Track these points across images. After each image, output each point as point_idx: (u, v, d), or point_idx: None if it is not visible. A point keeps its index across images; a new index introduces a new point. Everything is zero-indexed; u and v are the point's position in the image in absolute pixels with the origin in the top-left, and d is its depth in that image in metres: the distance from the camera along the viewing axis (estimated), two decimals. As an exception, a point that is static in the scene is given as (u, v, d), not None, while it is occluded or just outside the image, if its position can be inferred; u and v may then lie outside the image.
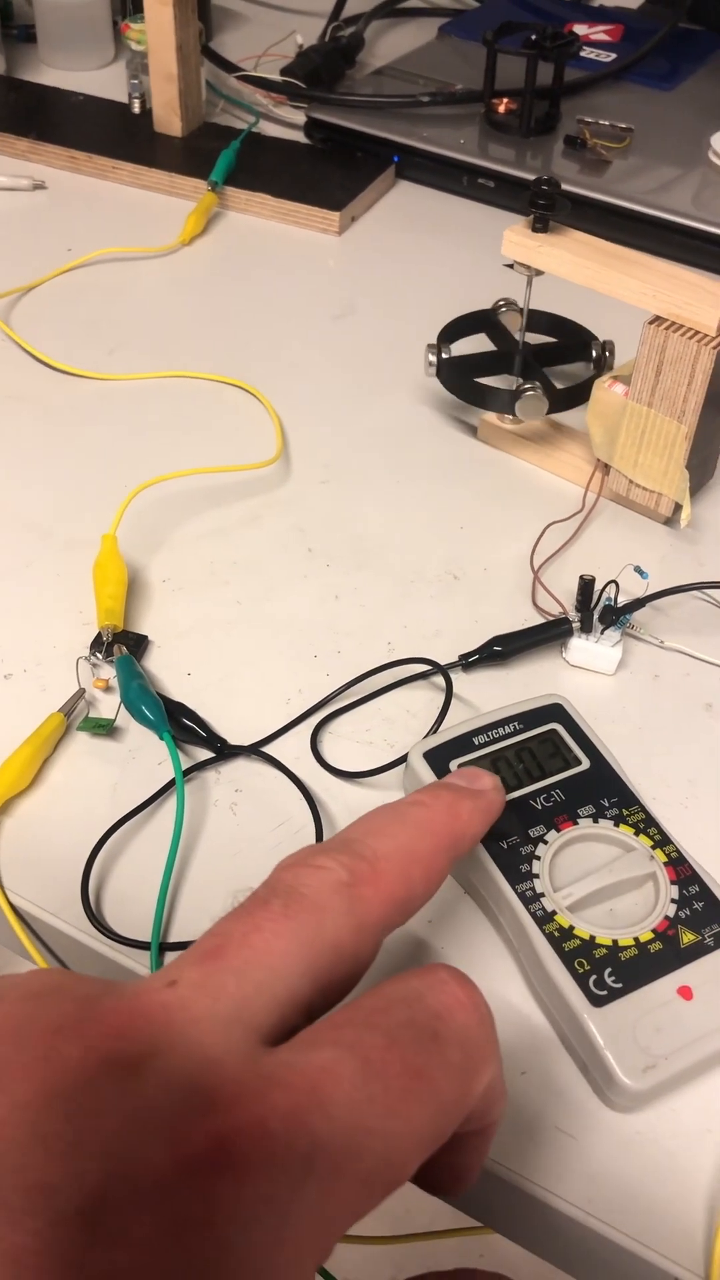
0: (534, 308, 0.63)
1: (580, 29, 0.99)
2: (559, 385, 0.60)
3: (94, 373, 0.67)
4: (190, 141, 0.87)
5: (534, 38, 0.81)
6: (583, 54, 0.95)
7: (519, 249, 0.56)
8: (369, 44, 1.01)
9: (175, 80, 0.84)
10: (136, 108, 0.89)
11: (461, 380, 0.62)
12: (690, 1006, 0.38)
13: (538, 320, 0.65)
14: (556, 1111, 0.37)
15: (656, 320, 0.53)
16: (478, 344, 0.65)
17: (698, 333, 0.52)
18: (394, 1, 1.07)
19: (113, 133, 0.88)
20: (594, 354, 0.64)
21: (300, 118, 0.90)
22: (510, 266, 0.58)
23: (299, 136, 0.90)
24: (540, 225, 0.56)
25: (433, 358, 0.62)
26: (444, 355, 0.62)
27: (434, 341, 0.62)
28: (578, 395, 0.60)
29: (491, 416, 0.63)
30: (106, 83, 0.96)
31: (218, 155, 0.82)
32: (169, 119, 0.87)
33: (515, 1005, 0.40)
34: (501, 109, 0.86)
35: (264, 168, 0.84)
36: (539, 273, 0.57)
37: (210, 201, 0.80)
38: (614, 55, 0.95)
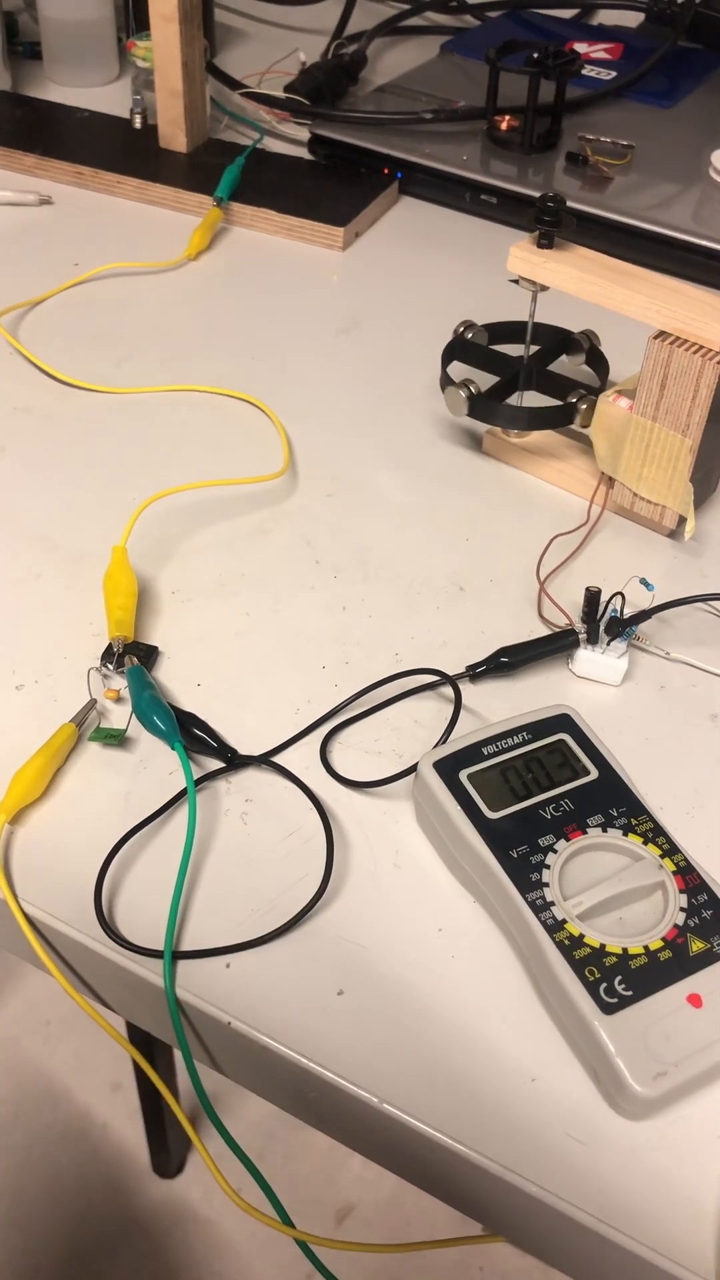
0: (500, 321, 0.63)
1: (581, 47, 1.00)
2: (584, 387, 0.61)
3: (101, 386, 0.67)
4: (195, 157, 0.88)
5: (536, 56, 0.82)
6: (584, 72, 0.96)
7: (524, 265, 0.57)
8: (371, 61, 1.02)
9: (180, 96, 0.85)
10: (138, 123, 0.90)
11: (495, 409, 0.61)
12: (700, 1014, 0.38)
13: (507, 331, 0.65)
14: (567, 1119, 0.38)
15: (661, 335, 0.54)
16: (461, 368, 0.65)
17: (702, 348, 0.53)
18: (396, 19, 1.08)
19: (118, 148, 0.88)
20: (584, 346, 0.64)
21: (304, 134, 0.90)
22: (515, 282, 0.58)
23: (303, 153, 0.91)
24: (545, 241, 0.57)
25: (464, 395, 0.61)
26: (475, 392, 0.61)
27: (446, 380, 0.62)
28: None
29: (497, 430, 0.64)
30: (111, 99, 0.97)
31: (222, 171, 0.83)
32: (174, 135, 0.87)
33: (524, 1012, 0.40)
34: (504, 126, 0.86)
35: (268, 184, 0.85)
36: (544, 288, 0.58)
37: (215, 217, 0.81)
38: (614, 73, 0.96)
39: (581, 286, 0.56)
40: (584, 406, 0.59)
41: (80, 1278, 1.19)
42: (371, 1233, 1.22)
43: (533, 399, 0.63)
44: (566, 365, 0.66)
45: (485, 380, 0.63)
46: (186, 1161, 1.25)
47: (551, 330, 0.65)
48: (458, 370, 0.65)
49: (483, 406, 0.61)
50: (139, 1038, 0.87)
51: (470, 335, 0.65)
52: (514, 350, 0.64)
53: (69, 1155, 1.27)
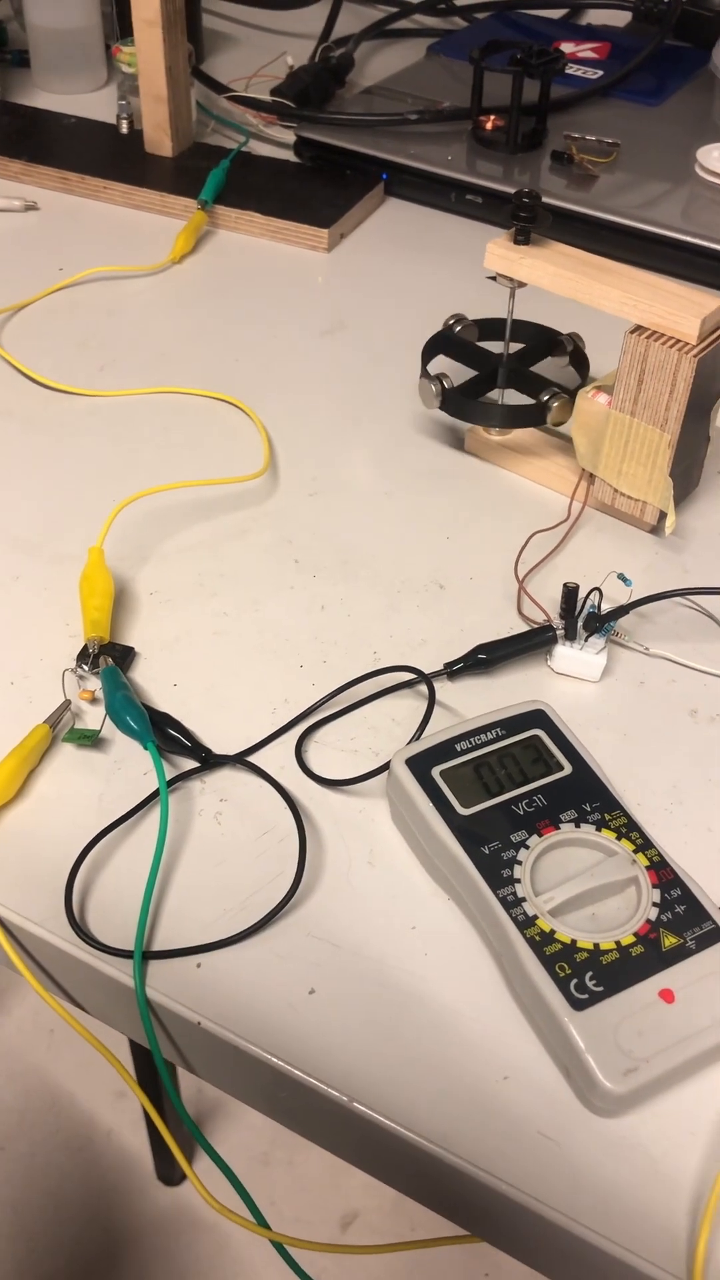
0: (491, 317, 0.63)
1: (568, 47, 1.00)
2: (558, 386, 0.60)
3: (84, 389, 0.67)
4: (181, 161, 0.88)
5: (519, 55, 0.82)
6: (571, 71, 0.96)
7: (501, 261, 0.57)
8: (359, 64, 1.02)
9: (165, 101, 0.85)
10: (124, 128, 0.90)
11: (469, 406, 0.61)
12: (672, 1009, 0.38)
13: (497, 328, 0.65)
14: (539, 1116, 0.37)
15: (638, 330, 0.54)
16: (443, 361, 0.65)
17: (679, 341, 0.53)
18: (383, 22, 1.08)
19: (104, 154, 0.89)
20: (568, 348, 0.64)
21: (290, 138, 0.90)
22: (493, 279, 0.58)
23: (289, 156, 0.91)
24: (522, 238, 0.57)
25: (435, 389, 0.61)
26: (447, 386, 0.61)
27: (423, 372, 0.62)
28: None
29: (478, 428, 0.64)
30: (99, 105, 0.97)
31: (208, 175, 0.83)
32: (159, 139, 0.87)
33: (497, 1010, 0.40)
34: (489, 126, 0.86)
35: (254, 186, 0.85)
36: (522, 285, 0.58)
37: (200, 220, 0.81)
38: (601, 72, 0.96)
39: (557, 282, 0.55)
40: (555, 405, 0.59)
41: (85, 1285, 1.19)
42: (376, 1239, 1.21)
43: (515, 398, 0.63)
44: (551, 366, 0.66)
45: (468, 376, 0.63)
46: (193, 1159, 1.24)
47: (538, 330, 0.65)
48: (441, 365, 0.64)
49: (455, 401, 0.61)
50: (142, 1049, 0.86)
51: (459, 329, 0.65)
52: (501, 348, 0.64)
53: (73, 1163, 1.27)
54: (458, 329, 0.65)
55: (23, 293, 0.75)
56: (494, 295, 0.61)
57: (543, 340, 0.65)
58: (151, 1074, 1.13)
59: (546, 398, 0.59)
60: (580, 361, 0.64)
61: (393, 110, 0.89)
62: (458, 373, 0.63)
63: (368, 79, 0.99)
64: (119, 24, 1.04)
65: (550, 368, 0.65)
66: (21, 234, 0.83)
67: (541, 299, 0.59)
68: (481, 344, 0.65)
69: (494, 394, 0.63)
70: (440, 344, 0.65)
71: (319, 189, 0.85)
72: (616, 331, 0.55)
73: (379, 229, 0.85)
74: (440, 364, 0.65)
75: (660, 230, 0.78)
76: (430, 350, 0.64)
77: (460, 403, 0.61)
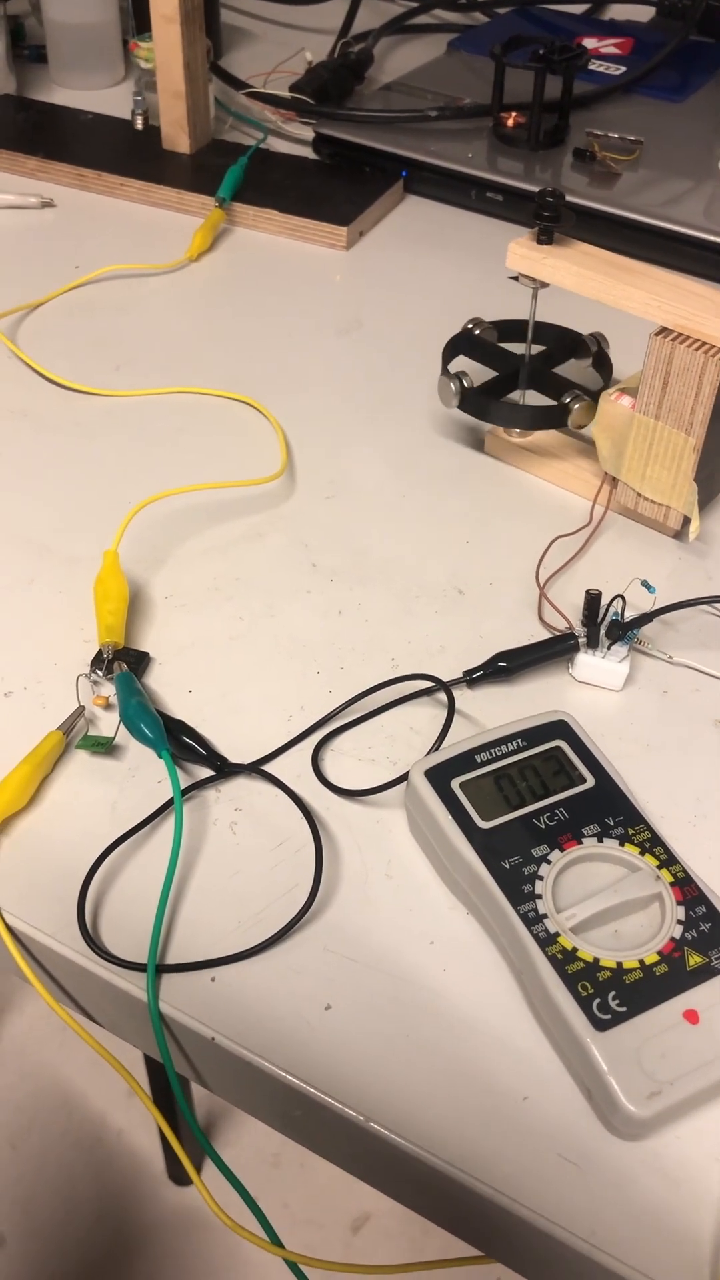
0: (510, 319, 0.62)
1: (590, 42, 0.99)
2: (579, 388, 0.59)
3: (99, 389, 0.67)
4: (198, 158, 0.87)
5: (541, 51, 0.81)
6: (593, 67, 0.95)
7: (523, 261, 0.56)
8: (378, 60, 1.02)
9: (183, 97, 0.84)
10: (139, 124, 0.90)
11: (490, 405, 0.60)
12: (697, 1031, 0.37)
13: (518, 329, 0.64)
14: (559, 1139, 0.37)
15: (663, 332, 0.53)
16: (464, 362, 0.64)
17: (705, 344, 0.52)
18: (403, 18, 1.07)
19: (121, 150, 0.88)
20: (591, 349, 0.63)
21: (309, 134, 0.90)
22: (515, 279, 0.57)
23: (307, 152, 0.90)
24: (545, 237, 0.56)
25: (454, 388, 0.60)
26: (466, 385, 0.60)
27: (443, 372, 0.61)
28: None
29: (499, 430, 0.63)
30: (117, 101, 0.97)
31: (225, 172, 0.82)
32: (177, 136, 0.87)
33: (517, 1028, 0.39)
34: (510, 123, 0.85)
35: (272, 184, 0.84)
36: (544, 285, 0.57)
37: (218, 218, 0.80)
38: (624, 68, 0.95)
39: (581, 283, 0.54)
40: (577, 406, 0.58)
41: (96, 1284, 1.19)
42: (388, 1242, 1.21)
43: (536, 400, 0.62)
44: (574, 368, 0.65)
45: (488, 377, 0.62)
46: (202, 1168, 1.24)
47: (561, 331, 0.64)
48: (462, 366, 0.63)
49: (474, 401, 0.60)
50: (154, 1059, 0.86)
51: (479, 331, 0.64)
52: (522, 349, 0.63)
53: (84, 1162, 1.27)
54: (477, 332, 0.64)
55: (38, 291, 0.75)
56: (515, 294, 0.60)
57: (566, 342, 0.64)
58: (163, 1082, 1.13)
59: (568, 399, 0.58)
60: (603, 363, 0.63)
61: (412, 107, 0.88)
62: (478, 373, 0.62)
63: (387, 75, 0.98)
64: (136, 19, 1.04)
65: (573, 370, 0.64)
66: (37, 231, 0.82)
67: (564, 299, 0.58)
68: (503, 345, 0.64)
69: (515, 395, 0.63)
70: (461, 345, 0.64)
71: (338, 186, 0.84)
72: (639, 332, 0.54)
73: (398, 227, 0.84)
74: (461, 365, 0.64)
75: (684, 229, 0.77)
76: (451, 350, 0.63)
77: (480, 402, 0.60)
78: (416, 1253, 1.19)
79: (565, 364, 0.64)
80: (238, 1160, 1.24)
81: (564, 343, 0.64)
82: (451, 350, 0.64)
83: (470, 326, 0.64)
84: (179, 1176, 1.24)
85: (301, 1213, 1.22)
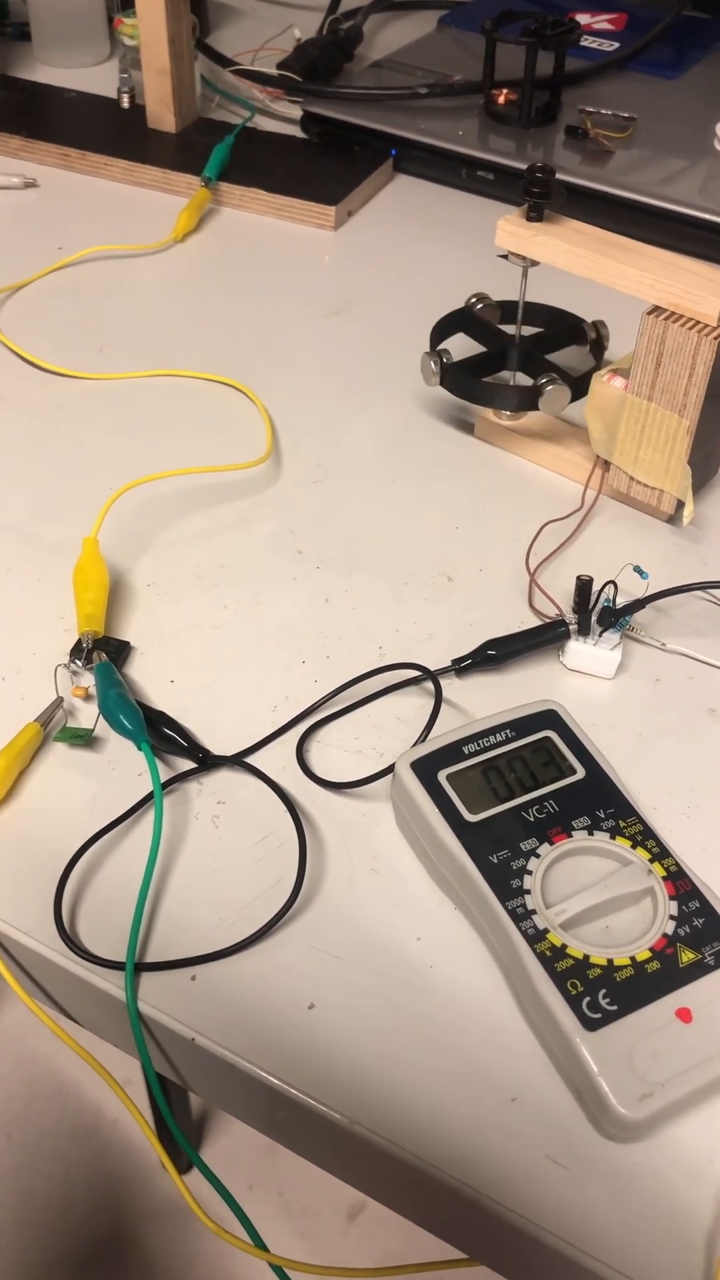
0: (513, 299, 0.61)
1: (584, 18, 0.97)
2: (558, 373, 0.58)
3: (82, 372, 0.65)
4: (184, 137, 0.85)
5: (533, 26, 0.79)
6: (586, 43, 0.93)
7: (513, 239, 0.55)
8: (368, 37, 1.00)
9: (168, 75, 0.83)
10: (125, 102, 0.88)
11: (469, 383, 0.59)
12: (690, 1030, 0.36)
13: (522, 310, 0.63)
14: (548, 1141, 0.36)
15: (655, 311, 0.51)
16: (464, 342, 0.63)
17: (698, 323, 0.50)
18: (394, -7, 1.06)
19: (106, 129, 0.86)
20: (590, 336, 0.62)
21: (297, 113, 0.88)
22: (505, 257, 0.56)
23: (295, 131, 0.88)
24: (535, 214, 0.54)
25: (435, 366, 0.59)
26: (446, 361, 0.59)
27: (430, 349, 0.60)
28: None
29: (489, 413, 0.61)
30: (102, 80, 0.95)
31: (212, 151, 0.81)
32: (162, 114, 0.85)
33: (506, 1027, 0.38)
34: (501, 100, 0.84)
35: (259, 163, 0.82)
36: (534, 263, 0.56)
37: (203, 197, 0.79)
38: (617, 44, 0.93)
39: (571, 261, 0.53)
40: (550, 389, 0.56)
41: (91, 1274, 1.18)
42: (385, 1230, 1.20)
43: (525, 383, 0.61)
44: (577, 355, 0.63)
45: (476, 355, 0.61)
46: (192, 1164, 1.24)
47: (561, 315, 0.63)
48: (460, 345, 0.62)
49: (454, 378, 0.59)
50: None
51: (480, 307, 0.62)
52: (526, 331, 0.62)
53: (79, 1151, 1.26)
54: (479, 307, 0.62)
55: (21, 272, 0.73)
56: (507, 275, 0.58)
57: (564, 326, 0.63)
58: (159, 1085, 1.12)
59: (544, 381, 0.57)
60: (599, 349, 0.62)
61: (402, 84, 0.86)
62: (472, 352, 0.60)
63: (377, 52, 0.97)
64: (122, -4, 1.02)
65: (573, 356, 0.63)
66: (20, 212, 0.81)
67: (572, 283, 0.56)
68: (504, 326, 0.62)
69: (506, 377, 0.61)
70: (459, 322, 0.63)
71: (326, 165, 0.83)
72: (629, 312, 0.52)
73: (388, 206, 0.82)
74: (459, 344, 0.62)
75: (678, 207, 0.76)
76: (447, 328, 0.62)
77: (460, 380, 0.59)
78: (413, 1241, 1.19)
79: (566, 350, 0.63)
80: (233, 1149, 1.24)
81: (563, 327, 0.63)
82: (449, 326, 0.62)
83: (474, 301, 0.63)
84: (175, 1165, 1.23)
85: (297, 1201, 1.22)
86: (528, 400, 0.58)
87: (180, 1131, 1.21)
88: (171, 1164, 0.42)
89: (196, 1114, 1.26)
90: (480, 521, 0.57)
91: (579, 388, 0.58)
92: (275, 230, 0.79)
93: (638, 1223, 0.34)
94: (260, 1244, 0.38)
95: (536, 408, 0.57)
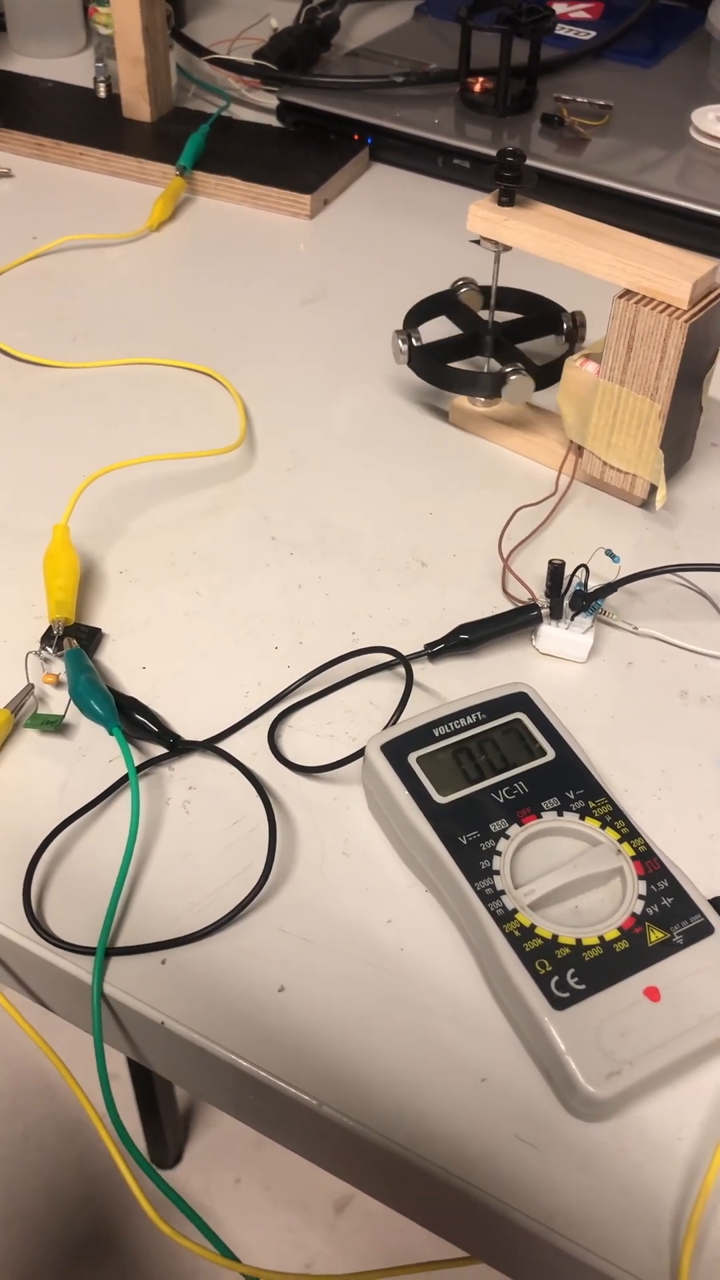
0: (503, 286, 0.61)
1: (560, 6, 0.97)
2: (537, 363, 0.58)
3: (55, 361, 0.65)
4: (160, 126, 0.85)
5: (509, 13, 0.79)
6: (562, 32, 0.93)
7: (484, 224, 0.55)
8: (344, 26, 0.99)
9: (143, 64, 0.82)
10: (102, 92, 0.88)
11: (435, 367, 0.60)
12: (658, 1008, 0.36)
13: (503, 297, 0.63)
14: (517, 1120, 0.36)
15: (626, 294, 0.51)
16: (445, 327, 0.63)
17: (669, 306, 0.50)
18: (371, -17, 1.05)
19: (81, 119, 0.86)
20: (565, 326, 0.62)
21: (273, 102, 0.88)
22: (477, 242, 0.56)
23: (271, 120, 0.88)
24: (506, 199, 0.54)
25: (403, 345, 0.59)
26: (415, 342, 0.60)
27: (401, 329, 0.60)
28: (559, 371, 0.58)
29: (463, 400, 0.61)
30: (77, 69, 0.95)
31: (187, 140, 0.81)
32: (137, 104, 0.85)
33: (476, 1009, 0.38)
34: (477, 88, 0.84)
35: (235, 152, 0.82)
36: (506, 248, 0.55)
37: (178, 186, 0.79)
38: (593, 33, 0.93)
39: (543, 245, 0.53)
40: (513, 379, 0.56)
41: (79, 1269, 1.18)
42: (370, 1223, 1.20)
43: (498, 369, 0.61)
44: (552, 343, 0.63)
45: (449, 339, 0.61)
46: (184, 1152, 1.23)
47: (541, 303, 0.63)
48: (440, 330, 0.62)
49: (421, 360, 0.59)
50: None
51: (464, 289, 0.62)
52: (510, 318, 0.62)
53: (66, 1146, 1.26)
54: (463, 290, 0.62)
55: (-6, 262, 0.73)
56: (484, 263, 0.58)
57: (542, 314, 0.63)
58: (143, 1075, 1.12)
59: (509, 370, 0.57)
60: (574, 339, 0.62)
61: (378, 73, 0.86)
62: (450, 336, 0.61)
63: (353, 41, 0.96)
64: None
65: (552, 344, 0.63)
66: (-5, 202, 0.80)
67: (550, 270, 0.56)
68: (483, 312, 0.62)
69: (480, 362, 0.61)
70: (440, 305, 0.63)
71: (302, 154, 0.82)
72: (602, 296, 0.52)
73: (363, 195, 0.82)
74: (441, 328, 0.62)
75: (654, 195, 0.76)
76: (429, 310, 0.62)
77: (426, 363, 0.59)
78: (399, 1233, 1.19)
79: (545, 338, 0.63)
80: (219, 1142, 1.24)
81: (540, 315, 0.63)
82: (431, 309, 0.62)
83: (459, 284, 0.63)
84: (161, 1160, 1.23)
85: (283, 1194, 1.22)
86: (491, 387, 0.58)
87: (167, 1126, 1.20)
88: (135, 1184, 0.42)
89: (183, 1108, 1.25)
90: (454, 507, 0.57)
91: (548, 376, 0.58)
92: (251, 219, 0.79)
93: (606, 1200, 0.34)
94: (228, 1254, 0.38)
95: (499, 395, 0.57)
